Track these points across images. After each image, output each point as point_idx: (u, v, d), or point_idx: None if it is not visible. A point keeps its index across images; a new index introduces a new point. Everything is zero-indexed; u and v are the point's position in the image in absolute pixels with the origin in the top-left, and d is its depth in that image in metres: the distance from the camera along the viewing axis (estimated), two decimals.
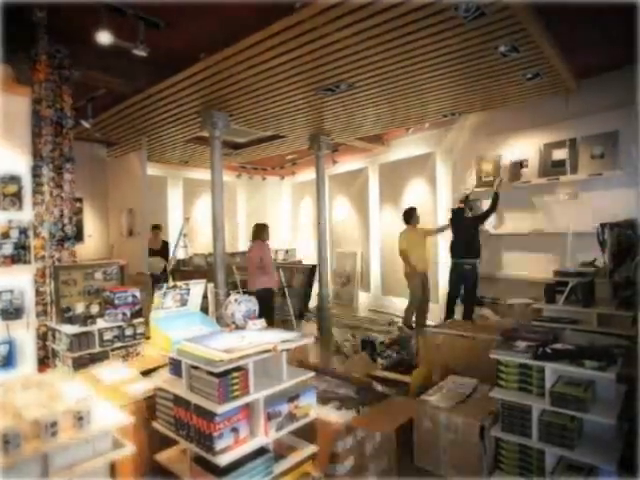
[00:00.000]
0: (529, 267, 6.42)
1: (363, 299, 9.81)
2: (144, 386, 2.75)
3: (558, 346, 2.71)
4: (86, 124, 6.03)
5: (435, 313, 7.26)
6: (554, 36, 4.37)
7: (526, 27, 3.93)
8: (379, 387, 3.46)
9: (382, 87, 5.44)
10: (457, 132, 7.79)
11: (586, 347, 2.68)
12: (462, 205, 6.60)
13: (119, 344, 3.64)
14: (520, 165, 6.61)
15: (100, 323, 3.63)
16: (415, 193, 8.70)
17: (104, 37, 3.91)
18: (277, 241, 12.01)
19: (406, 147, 8.84)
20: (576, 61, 5.11)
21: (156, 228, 8.33)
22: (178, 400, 2.31)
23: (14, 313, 2.81)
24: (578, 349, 2.65)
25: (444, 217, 7.64)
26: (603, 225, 3.79)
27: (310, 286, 7.16)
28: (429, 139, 8.35)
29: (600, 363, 2.48)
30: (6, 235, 2.80)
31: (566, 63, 4.96)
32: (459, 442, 3.04)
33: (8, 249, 2.80)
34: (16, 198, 2.85)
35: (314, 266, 7.38)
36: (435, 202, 8.18)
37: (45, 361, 3.72)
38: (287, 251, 11.12)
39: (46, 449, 1.71)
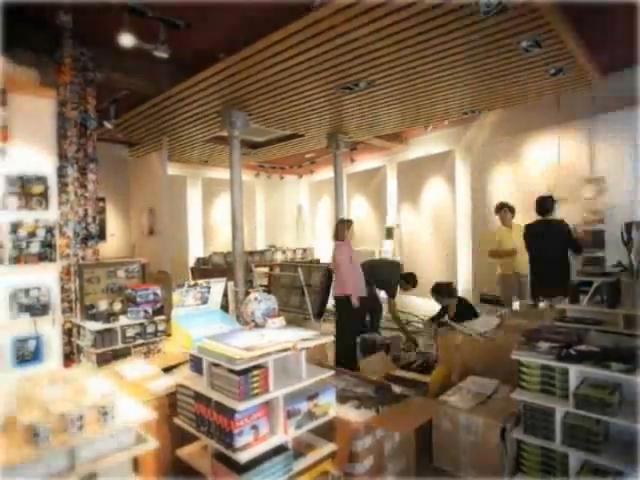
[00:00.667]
0: None
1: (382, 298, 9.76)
2: (165, 382, 2.79)
3: (582, 347, 2.65)
4: (109, 125, 6.15)
5: None
6: (578, 30, 4.27)
7: (549, 21, 3.86)
8: (397, 389, 3.44)
9: (402, 85, 5.40)
10: (477, 130, 7.69)
11: (612, 349, 2.61)
12: None
13: (141, 341, 3.71)
14: None
15: (123, 320, 3.70)
16: (434, 192, 8.62)
17: (126, 39, 3.98)
18: (296, 240, 12.06)
19: (425, 145, 8.76)
20: (601, 56, 4.99)
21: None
22: (199, 397, 2.34)
23: (41, 309, 2.88)
24: (603, 351, 2.58)
25: (464, 216, 7.55)
26: (628, 224, 3.66)
27: (328, 285, 7.12)
28: (448, 137, 8.26)
29: (627, 365, 2.41)
30: (33, 234, 2.88)
31: (590, 57, 4.85)
32: (479, 443, 3.00)
33: (35, 247, 2.88)
34: (42, 198, 2.92)
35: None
36: (454, 200, 8.09)
37: (70, 356, 3.82)
38: (305, 250, 11.14)
39: (72, 443, 1.75)
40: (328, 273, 6.54)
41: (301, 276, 6.15)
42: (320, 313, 6.38)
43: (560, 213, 6.01)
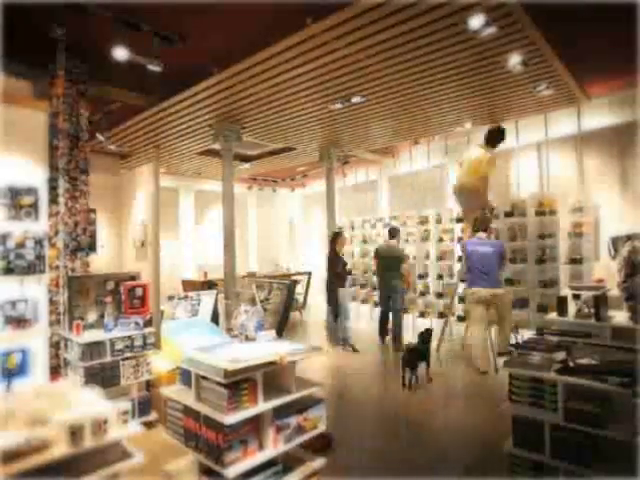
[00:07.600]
0: None
1: (375, 314, 9.75)
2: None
3: (582, 361, 2.65)
4: (101, 137, 6.13)
5: None
6: (564, 48, 4.37)
7: (535, 41, 3.96)
8: None
9: (394, 100, 5.48)
10: (468, 144, 7.78)
11: (606, 362, 2.62)
12: None
13: (130, 354, 3.67)
14: None
15: (111, 333, 3.66)
16: (427, 205, 8.68)
17: (120, 53, 4.01)
18: (286, 254, 12.03)
19: (417, 159, 8.85)
20: (589, 74, 5.12)
21: None
22: (187, 410, 2.31)
23: (27, 322, 2.85)
24: (599, 364, 2.59)
25: (457, 229, 7.61)
26: (614, 239, 3.72)
27: (289, 303, 6.66)
28: (440, 151, 8.35)
29: (623, 379, 2.42)
30: (22, 245, 2.86)
31: (576, 76, 4.96)
32: None
33: (24, 259, 2.86)
34: (32, 209, 2.91)
35: (294, 282, 7.02)
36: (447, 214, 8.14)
37: (57, 370, 3.75)
38: (277, 265, 11.21)
39: (59, 459, 1.72)
40: (289, 290, 6.34)
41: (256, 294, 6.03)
42: (279, 331, 5.96)
43: (547, 225, 6.11)
